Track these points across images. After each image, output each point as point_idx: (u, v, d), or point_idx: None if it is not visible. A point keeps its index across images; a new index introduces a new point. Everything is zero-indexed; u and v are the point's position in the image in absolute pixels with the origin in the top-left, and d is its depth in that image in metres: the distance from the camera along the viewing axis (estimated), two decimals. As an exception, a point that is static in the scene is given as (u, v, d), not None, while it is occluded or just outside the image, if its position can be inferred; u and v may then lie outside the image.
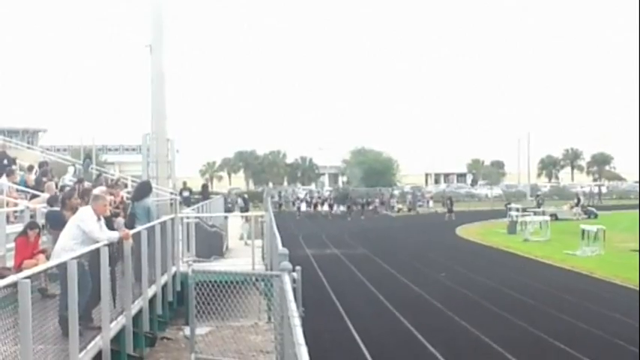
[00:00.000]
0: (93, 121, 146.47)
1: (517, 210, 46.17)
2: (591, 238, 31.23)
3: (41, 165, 21.56)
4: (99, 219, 10.29)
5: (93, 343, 9.05)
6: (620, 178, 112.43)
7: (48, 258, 10.10)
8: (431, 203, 77.13)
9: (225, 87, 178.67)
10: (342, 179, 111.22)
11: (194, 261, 17.31)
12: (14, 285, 6.61)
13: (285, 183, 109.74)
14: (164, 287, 15.05)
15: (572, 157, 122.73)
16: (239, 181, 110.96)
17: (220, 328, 13.10)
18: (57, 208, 12.59)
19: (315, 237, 42.24)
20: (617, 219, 47.90)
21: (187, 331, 13.00)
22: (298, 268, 9.82)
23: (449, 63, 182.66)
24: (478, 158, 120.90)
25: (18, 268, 10.21)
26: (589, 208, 56.98)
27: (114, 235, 10.57)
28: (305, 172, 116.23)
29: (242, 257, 19.94)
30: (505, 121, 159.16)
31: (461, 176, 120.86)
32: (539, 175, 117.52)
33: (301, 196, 79.67)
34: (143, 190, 15.47)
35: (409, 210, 72.69)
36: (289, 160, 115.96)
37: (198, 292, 11.75)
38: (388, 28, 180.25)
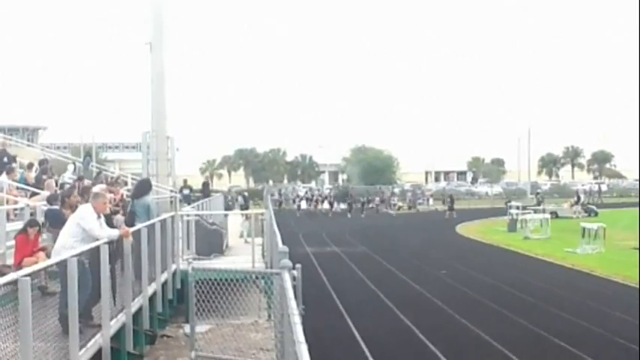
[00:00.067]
0: (93, 119, 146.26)
1: (517, 208, 46.15)
2: (592, 236, 31.23)
3: (41, 163, 21.54)
4: (99, 217, 10.29)
5: (93, 340, 9.04)
6: (620, 176, 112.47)
7: (48, 256, 10.10)
8: (431, 201, 77.16)
9: (225, 85, 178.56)
10: (342, 177, 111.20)
11: (194, 259, 17.32)
12: (14, 283, 6.61)
13: (286, 181, 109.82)
14: (164, 285, 15.05)
15: (572, 155, 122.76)
16: (239, 179, 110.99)
17: (220, 326, 13.10)
18: (56, 207, 12.58)
19: (315, 235, 42.23)
20: (618, 217, 47.89)
21: (187, 328, 12.99)
22: (298, 265, 9.81)
23: (449, 62, 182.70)
24: (478, 156, 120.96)
25: (18, 265, 10.21)
26: (589, 206, 56.97)
27: (114, 233, 10.57)
28: (305, 169, 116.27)
29: (242, 255, 19.93)
30: (505, 119, 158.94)
31: (461, 174, 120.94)
32: (539, 172, 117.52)
33: (301, 194, 79.69)
34: (143, 187, 15.45)
35: (409, 208, 72.70)
36: (289, 157, 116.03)
37: (199, 290, 11.75)
38: (388, 28, 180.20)
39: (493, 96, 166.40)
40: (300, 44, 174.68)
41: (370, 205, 68.96)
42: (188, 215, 19.84)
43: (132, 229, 11.80)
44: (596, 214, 52.24)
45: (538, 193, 65.53)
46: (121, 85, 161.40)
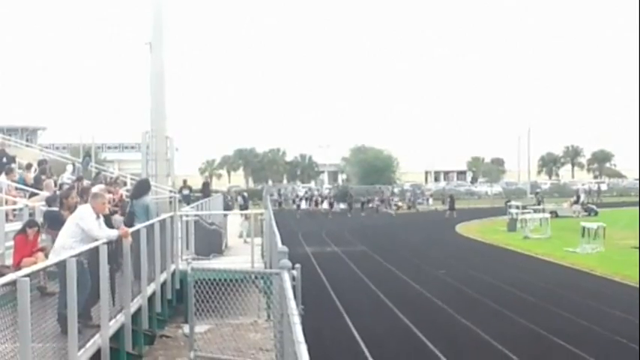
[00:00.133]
0: (92, 119, 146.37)
1: (517, 207, 46.16)
2: (591, 235, 31.22)
3: (40, 163, 21.55)
4: (98, 217, 10.28)
5: (92, 341, 9.04)
6: (620, 176, 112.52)
7: (47, 256, 10.09)
8: (431, 201, 77.18)
9: (224, 85, 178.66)
10: (341, 177, 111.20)
11: (193, 259, 17.30)
12: (13, 283, 6.60)
13: (285, 181, 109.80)
14: (163, 285, 15.04)
15: (572, 155, 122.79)
16: (238, 179, 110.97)
17: (219, 326, 13.09)
18: (55, 208, 12.57)
19: (314, 235, 42.23)
20: (618, 216, 47.89)
21: (186, 328, 12.98)
22: (298, 265, 9.80)
23: (449, 62, 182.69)
24: (478, 156, 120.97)
25: (17, 266, 10.19)
26: (589, 205, 56.98)
27: (113, 233, 10.56)
28: (305, 169, 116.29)
29: (241, 255, 19.94)
30: (505, 118, 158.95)
31: (461, 174, 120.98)
32: (539, 172, 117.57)
33: (301, 194, 79.69)
34: (142, 188, 15.45)
35: (409, 208, 72.70)
36: (289, 157, 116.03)
37: (198, 290, 11.74)
38: (388, 28, 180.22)
39: (493, 96, 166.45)
40: (299, 44, 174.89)
41: (370, 205, 68.96)
42: (187, 215, 19.83)
43: (131, 230, 11.79)
44: (596, 213, 52.24)
45: (537, 193, 65.55)
46: (121, 86, 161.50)
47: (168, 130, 22.87)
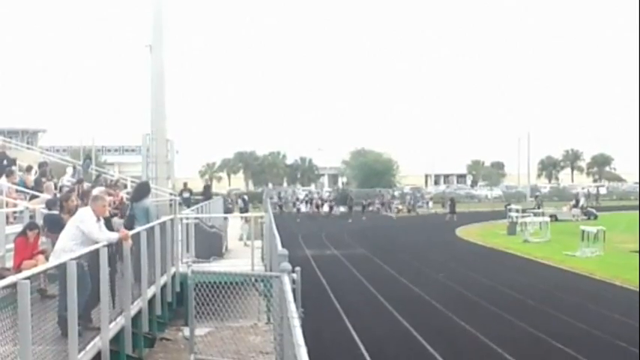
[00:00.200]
0: (93, 122, 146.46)
1: (517, 211, 46.18)
2: (591, 239, 31.23)
3: (41, 165, 21.55)
4: (98, 220, 10.29)
5: (92, 343, 9.04)
6: (620, 179, 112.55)
7: (47, 259, 10.10)
8: (431, 204, 77.18)
9: (224, 87, 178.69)
10: (341, 180, 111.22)
11: (193, 262, 17.29)
12: (13, 285, 6.61)
13: (285, 184, 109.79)
14: (163, 288, 15.04)
15: (572, 158, 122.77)
16: (238, 182, 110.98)
17: (220, 329, 13.10)
18: (55, 212, 12.57)
19: (314, 238, 42.23)
20: (617, 220, 47.90)
21: (187, 331, 13.00)
22: (298, 268, 9.81)
23: (449, 63, 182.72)
24: (478, 159, 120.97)
25: (17, 268, 10.19)
26: (589, 209, 57.01)
27: (113, 236, 10.57)
28: (305, 172, 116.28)
29: (241, 258, 19.93)
30: (505, 122, 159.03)
31: (461, 177, 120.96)
32: (539, 176, 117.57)
33: (301, 197, 79.73)
34: (142, 191, 15.47)
35: (409, 211, 72.70)
36: (289, 160, 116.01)
37: (198, 293, 11.75)
38: (388, 28, 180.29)
39: (493, 99, 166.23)
40: (299, 46, 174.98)
41: (370, 208, 68.94)
42: (187, 218, 19.84)
43: (131, 232, 11.80)
44: (596, 217, 52.25)
45: (537, 196, 65.57)
46: (121, 88, 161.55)
47: (169, 132, 22.94)
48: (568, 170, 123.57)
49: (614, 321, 17.33)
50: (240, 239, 26.68)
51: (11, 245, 11.91)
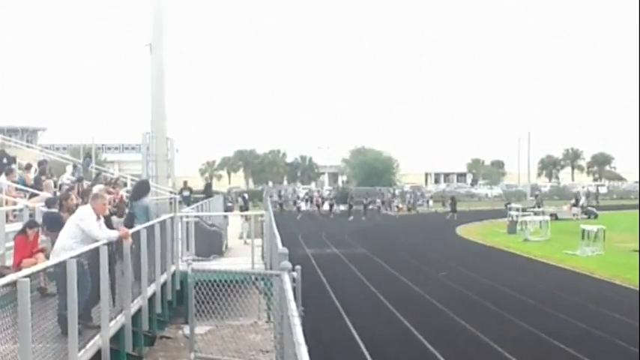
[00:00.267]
0: (93, 120, 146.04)
1: (517, 210, 46.18)
2: (591, 238, 31.24)
3: (40, 164, 21.54)
4: (98, 218, 10.27)
5: (92, 342, 9.03)
6: (620, 178, 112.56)
7: (47, 257, 10.08)
8: (431, 203, 77.17)
9: (225, 86, 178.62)
10: (341, 178, 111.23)
11: (193, 260, 17.28)
12: (13, 284, 6.59)
13: (285, 182, 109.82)
14: (163, 286, 15.02)
15: (572, 157, 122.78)
16: (239, 180, 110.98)
17: (220, 327, 13.09)
18: (55, 210, 12.56)
19: (315, 236, 42.23)
20: (617, 219, 47.90)
21: (187, 330, 12.98)
22: (298, 267, 9.79)
23: (449, 63, 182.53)
24: (478, 158, 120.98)
25: (17, 266, 10.18)
26: (589, 208, 57.00)
27: (113, 234, 10.56)
28: (305, 171, 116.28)
29: (242, 256, 19.91)
30: (505, 120, 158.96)
31: (461, 176, 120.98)
32: (539, 175, 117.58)
33: (301, 195, 79.73)
34: (141, 189, 15.45)
35: (409, 210, 72.67)
36: (289, 159, 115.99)
37: (198, 291, 11.73)
38: (388, 28, 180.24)
39: (493, 98, 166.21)
40: (299, 45, 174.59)
41: (370, 207, 68.85)
42: (187, 216, 19.83)
43: (131, 231, 11.79)
44: (596, 216, 52.24)
45: (537, 195, 65.58)
46: (121, 86, 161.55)
47: (169, 131, 22.93)
48: (568, 169, 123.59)
49: (614, 320, 17.33)
50: (241, 237, 26.66)
51: (11, 243, 11.90)
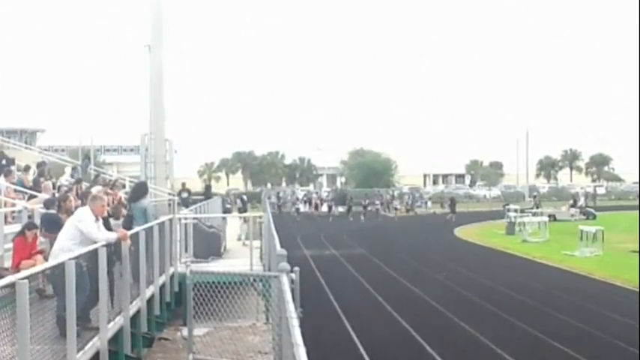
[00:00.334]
0: (91, 122, 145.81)
1: (515, 211, 46.19)
2: (590, 238, 31.25)
3: (39, 165, 21.54)
4: (97, 219, 10.27)
5: (90, 343, 9.02)
6: (618, 179, 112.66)
7: (46, 259, 10.08)
8: (429, 204, 77.20)
9: (223, 87, 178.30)
10: (340, 180, 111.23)
11: (192, 262, 17.27)
12: (12, 285, 6.59)
13: (284, 184, 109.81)
14: (162, 288, 15.02)
15: (570, 158, 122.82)
16: (237, 182, 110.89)
17: (218, 329, 13.08)
18: (53, 211, 12.55)
19: (313, 238, 42.22)
20: (616, 220, 47.93)
21: (185, 331, 12.98)
22: (296, 268, 9.79)
23: (447, 64, 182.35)
24: (477, 159, 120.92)
25: (16, 268, 10.17)
26: (587, 209, 57.02)
27: (112, 236, 10.55)
28: (303, 172, 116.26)
29: (240, 258, 19.92)
30: (504, 121, 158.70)
31: (459, 177, 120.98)
32: (537, 176, 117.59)
33: (300, 196, 79.73)
34: (139, 191, 15.46)
35: (407, 211, 72.68)
36: (287, 160, 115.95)
37: (196, 293, 11.73)
38: (388, 28, 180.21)
39: (491, 99, 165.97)
40: (299, 45, 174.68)
41: (369, 208, 68.82)
42: (186, 218, 19.82)
43: (129, 232, 11.78)
44: (595, 217, 52.26)
45: (535, 196, 65.63)
46: (120, 88, 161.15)
47: (167, 132, 22.89)
48: (567, 170, 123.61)
49: (613, 321, 17.33)
50: (239, 239, 26.66)
51: (10, 245, 11.89)
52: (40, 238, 11.50)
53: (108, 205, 13.23)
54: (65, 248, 9.48)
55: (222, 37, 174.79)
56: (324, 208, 68.70)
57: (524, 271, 27.40)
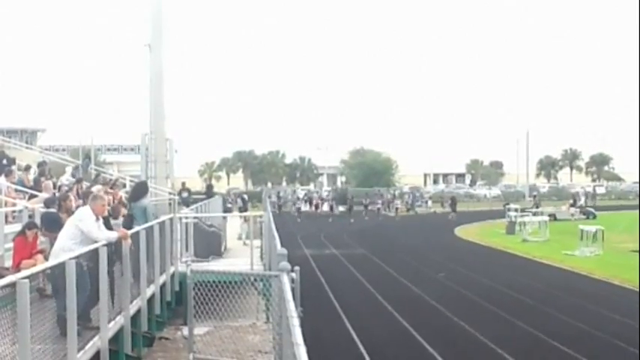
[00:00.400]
0: (92, 121, 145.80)
1: (516, 210, 46.20)
2: (590, 238, 31.26)
3: (40, 165, 21.54)
4: (97, 219, 10.28)
5: (91, 343, 9.03)
6: (618, 179, 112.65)
7: (46, 258, 10.09)
8: (430, 203, 77.20)
9: (224, 87, 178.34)
10: (340, 179, 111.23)
11: (192, 261, 17.28)
12: (13, 285, 6.60)
13: (284, 183, 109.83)
14: (162, 287, 15.03)
15: (571, 158, 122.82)
16: (238, 181, 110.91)
17: (219, 328, 13.09)
18: (53, 210, 12.55)
19: (314, 237, 42.23)
20: (616, 219, 47.93)
21: (185, 331, 12.98)
22: (297, 268, 9.80)
23: (447, 64, 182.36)
24: (477, 158, 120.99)
25: (16, 268, 10.18)
26: (587, 208, 57.02)
27: (112, 235, 10.56)
28: (304, 172, 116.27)
29: (241, 257, 19.94)
30: (504, 121, 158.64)
31: (460, 176, 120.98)
32: (537, 175, 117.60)
33: (301, 196, 79.74)
34: (140, 190, 15.47)
35: (408, 210, 72.67)
36: (288, 160, 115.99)
37: (197, 292, 11.73)
38: (388, 28, 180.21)
39: (492, 98, 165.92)
40: (299, 45, 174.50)
41: (370, 208, 68.80)
42: (187, 217, 19.83)
43: (130, 232, 11.79)
44: (595, 216, 52.27)
45: (535, 196, 65.60)
46: (120, 87, 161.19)
47: (168, 131, 22.88)
48: (567, 170, 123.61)
49: (613, 321, 17.34)
50: (240, 238, 26.68)
51: (10, 245, 11.90)
52: (41, 238, 11.51)
53: (108, 204, 13.23)
54: (66, 248, 9.48)
55: (222, 37, 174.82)
56: (325, 207, 68.67)
57: (525, 270, 27.41)
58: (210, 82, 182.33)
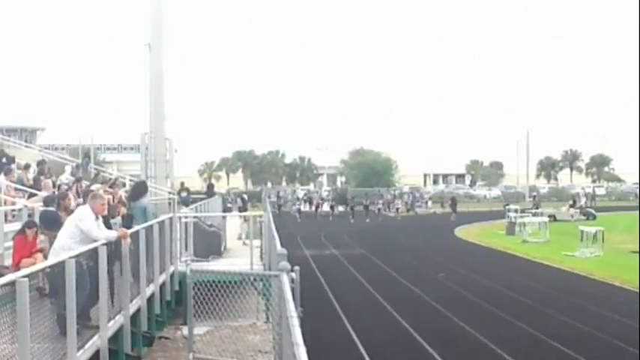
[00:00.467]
0: (91, 120, 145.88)
1: (515, 211, 46.18)
2: (590, 239, 31.24)
3: (39, 164, 21.53)
4: (97, 218, 10.27)
5: (91, 342, 9.02)
6: (618, 180, 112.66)
7: (46, 257, 10.07)
8: (429, 204, 77.20)
9: (224, 86, 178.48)
10: (340, 179, 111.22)
11: (192, 260, 17.26)
12: (12, 284, 6.58)
13: (284, 183, 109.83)
14: (162, 287, 15.02)
15: (571, 159, 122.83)
16: (237, 181, 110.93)
17: (218, 328, 13.08)
18: (52, 208, 12.54)
19: (313, 237, 42.21)
20: (616, 220, 47.92)
21: (185, 330, 12.97)
22: (297, 268, 9.78)
23: (448, 63, 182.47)
24: (477, 159, 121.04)
25: (16, 266, 10.17)
26: (587, 209, 57.00)
27: (112, 235, 10.55)
28: (304, 172, 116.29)
29: (240, 257, 19.93)
30: (504, 122, 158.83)
31: (460, 177, 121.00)
32: (537, 176, 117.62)
33: (300, 196, 79.70)
34: (139, 190, 15.45)
35: (407, 211, 72.62)
36: (288, 160, 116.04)
37: (197, 292, 11.71)
38: (388, 28, 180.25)
39: (492, 99, 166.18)
40: (299, 45, 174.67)
41: (371, 208, 68.69)
42: (186, 217, 19.81)
43: (130, 231, 11.78)
44: (595, 217, 52.24)
45: (534, 197, 65.59)
46: (120, 87, 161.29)
47: (168, 131, 22.86)
48: (567, 170, 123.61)
49: (613, 321, 17.33)
50: (239, 238, 26.67)
51: (10, 243, 11.88)
52: (40, 237, 11.49)
53: (108, 203, 13.21)
54: (65, 247, 9.47)
55: (222, 37, 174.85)
56: (326, 207, 68.63)
57: (524, 271, 27.40)
58: (210, 82, 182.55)
